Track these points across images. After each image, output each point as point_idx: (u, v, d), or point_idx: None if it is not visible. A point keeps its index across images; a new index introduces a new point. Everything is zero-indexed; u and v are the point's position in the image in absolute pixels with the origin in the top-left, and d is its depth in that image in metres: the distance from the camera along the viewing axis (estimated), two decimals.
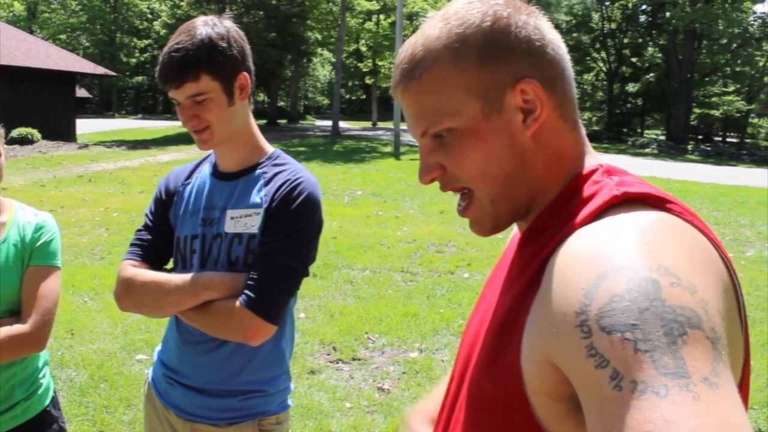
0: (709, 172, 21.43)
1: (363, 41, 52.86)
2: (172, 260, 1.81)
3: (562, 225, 0.79)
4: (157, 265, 1.77)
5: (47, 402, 2.02)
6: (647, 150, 33.49)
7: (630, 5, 43.11)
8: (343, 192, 13.25)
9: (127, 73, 57.50)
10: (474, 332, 0.93)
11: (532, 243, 0.85)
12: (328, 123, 36.59)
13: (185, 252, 1.74)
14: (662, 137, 41.90)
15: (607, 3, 44.12)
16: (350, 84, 62.09)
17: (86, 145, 22.03)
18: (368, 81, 54.55)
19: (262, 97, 52.19)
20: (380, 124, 49.31)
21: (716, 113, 43.47)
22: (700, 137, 46.63)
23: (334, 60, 40.16)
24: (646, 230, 0.68)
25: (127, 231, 8.56)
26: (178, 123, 1.79)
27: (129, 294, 1.69)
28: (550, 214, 0.84)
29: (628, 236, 0.67)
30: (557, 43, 0.86)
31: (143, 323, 5.25)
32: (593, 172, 0.83)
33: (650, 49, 43.10)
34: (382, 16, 48.94)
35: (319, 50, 47.31)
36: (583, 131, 0.90)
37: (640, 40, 44.11)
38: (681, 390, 0.53)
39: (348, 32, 43.51)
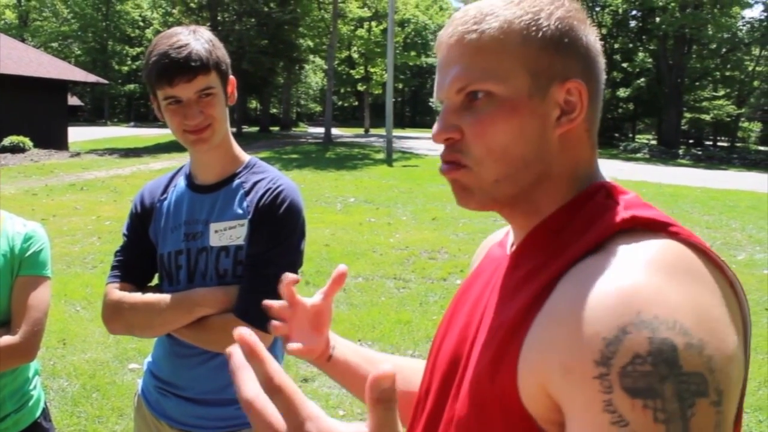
0: (700, 176, 21.51)
1: (355, 48, 52.89)
2: (156, 276, 1.80)
3: (568, 243, 0.79)
4: (140, 283, 1.76)
5: (38, 414, 2.01)
6: (639, 155, 33.58)
7: (620, 11, 43.31)
8: (336, 199, 13.25)
9: (119, 80, 57.44)
10: (455, 347, 0.91)
11: (535, 254, 0.83)
12: (321, 130, 36.59)
13: (170, 268, 1.73)
14: (654, 142, 42.15)
15: (597, 9, 44.30)
16: (342, 91, 62.16)
17: (78, 154, 21.97)
18: (360, 88, 54.63)
19: (254, 104, 52.21)
20: (373, 131, 49.36)
21: (707, 117, 43.75)
22: (691, 141, 46.89)
23: (326, 67, 40.13)
24: (661, 269, 0.69)
25: (119, 240, 8.46)
26: (170, 131, 1.76)
27: (118, 317, 1.68)
28: (552, 228, 0.84)
29: (645, 279, 0.68)
30: (602, 67, 0.88)
31: None
32: (597, 190, 0.84)
33: (641, 54, 43.28)
34: (373, 23, 49.02)
35: (311, 57, 47.33)
36: (597, 156, 0.91)
37: (631, 46, 44.29)
38: None
39: (340, 39, 43.57)
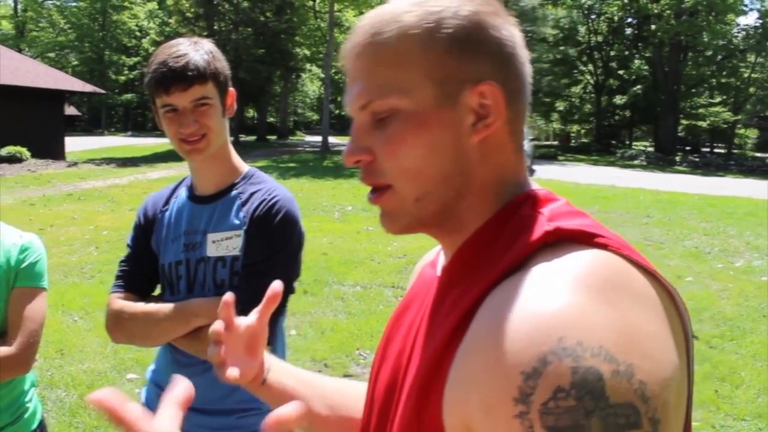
0: (697, 183, 21.58)
1: None
2: (159, 286, 1.81)
3: (492, 262, 0.73)
4: (143, 293, 1.77)
5: (34, 426, 1.99)
6: (636, 162, 33.69)
7: (616, 18, 43.53)
8: (333, 208, 13.25)
9: (116, 90, 57.45)
10: (390, 376, 0.87)
11: (460, 277, 0.78)
12: (318, 138, 36.62)
13: (171, 278, 1.74)
14: (651, 149, 42.18)
15: (593, 16, 44.52)
16: (339, 99, 62.20)
17: (75, 163, 21.97)
18: None
19: (251, 113, 52.27)
20: None
21: (703, 124, 43.83)
22: (687, 148, 46.99)
23: (323, 75, 40.26)
24: (585, 287, 0.63)
25: (117, 249, 8.51)
26: (168, 140, 1.77)
27: (119, 327, 1.70)
28: (478, 246, 0.78)
29: (566, 300, 0.62)
30: (524, 60, 0.81)
31: None
32: (524, 200, 0.78)
33: (637, 62, 43.49)
34: None
35: (308, 66, 47.50)
36: (525, 160, 0.84)
37: (627, 53, 44.49)
38: None
39: (336, 48, 43.65)
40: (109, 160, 23.81)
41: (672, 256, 9.19)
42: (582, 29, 45.62)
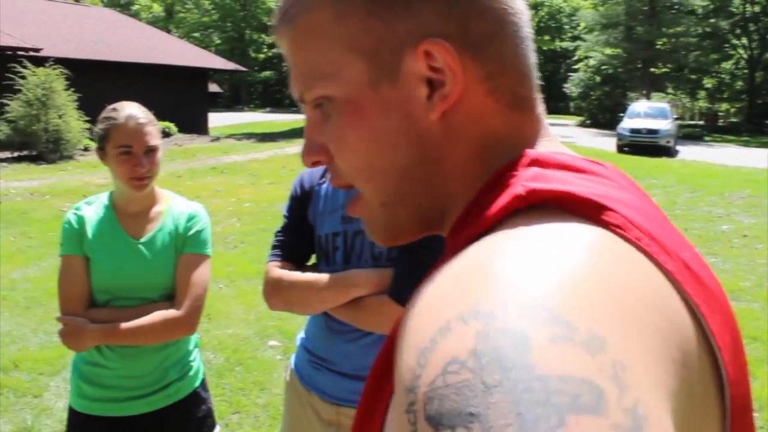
0: None
1: None
2: (314, 257, 1.85)
3: (457, 247, 0.53)
4: (299, 263, 1.82)
5: (197, 384, 2.12)
6: None
7: None
8: None
9: (256, 68, 59.70)
10: None
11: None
12: None
13: (328, 249, 1.77)
14: None
15: None
16: None
17: (218, 138, 23.08)
18: None
19: None
20: None
21: None
22: None
23: None
24: (535, 251, 0.44)
25: (257, 221, 8.89)
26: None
27: (278, 294, 1.75)
28: (454, 232, 0.61)
29: (501, 261, 0.44)
30: None
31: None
32: (515, 163, 0.57)
33: None
34: None
35: None
36: (540, 110, 0.64)
37: None
38: None
39: None
40: (249, 135, 24.79)
41: None
42: None
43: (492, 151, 0.60)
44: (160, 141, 1.97)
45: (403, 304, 1.54)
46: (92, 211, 2.01)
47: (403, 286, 1.58)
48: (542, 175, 0.53)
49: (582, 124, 38.93)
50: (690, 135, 31.10)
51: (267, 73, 60.68)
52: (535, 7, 42.68)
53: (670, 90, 44.85)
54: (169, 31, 49.55)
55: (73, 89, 16.47)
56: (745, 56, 43.53)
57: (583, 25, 45.64)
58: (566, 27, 59.13)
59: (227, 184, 12.71)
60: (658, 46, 37.85)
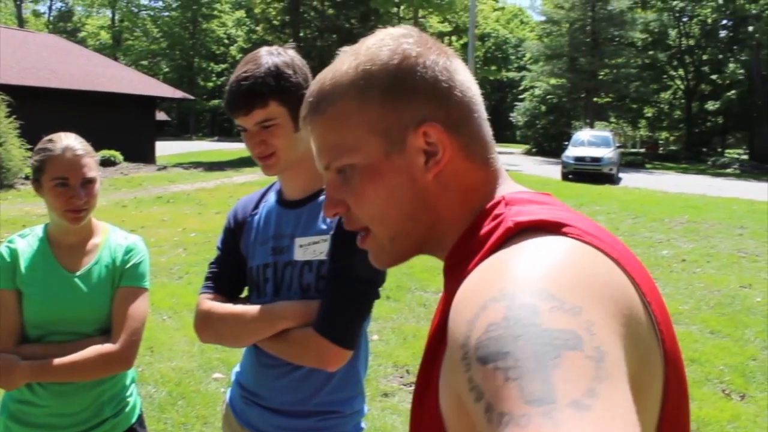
0: None
1: None
2: (246, 288, 1.85)
3: (466, 264, 0.78)
4: (231, 295, 1.81)
5: (134, 420, 2.08)
6: (729, 170, 32.24)
7: (709, 21, 41.87)
8: None
9: (204, 96, 59.25)
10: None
11: (446, 285, 0.86)
12: None
13: (259, 281, 1.77)
14: (745, 156, 40.37)
15: (684, 19, 43.03)
16: None
17: (165, 167, 22.79)
18: None
19: None
20: None
21: None
22: None
23: None
24: (532, 256, 0.68)
25: (204, 251, 8.78)
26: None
27: (208, 327, 1.74)
28: (455, 253, 0.85)
29: (511, 265, 0.67)
30: (467, 85, 0.87)
31: None
32: (495, 205, 0.83)
33: (731, 65, 41.57)
34: (454, 38, 49.02)
35: None
36: (498, 165, 0.90)
37: (721, 56, 42.61)
38: (542, 418, 0.51)
39: None
40: (196, 164, 24.57)
41: None
42: (672, 33, 44.14)
43: (472, 196, 0.86)
44: (98, 173, 1.94)
45: (329, 337, 1.56)
46: (26, 243, 1.97)
47: (330, 319, 1.59)
48: (520, 210, 0.78)
49: (528, 152, 39.78)
50: (632, 163, 32.01)
51: (215, 102, 60.20)
52: (482, 38, 43.53)
53: (612, 119, 46.25)
54: (116, 59, 48.94)
55: (14, 116, 16.10)
56: (682, 87, 45.18)
57: (528, 55, 46.84)
58: (512, 57, 60.50)
59: (173, 214, 12.52)
60: (600, 77, 38.96)
